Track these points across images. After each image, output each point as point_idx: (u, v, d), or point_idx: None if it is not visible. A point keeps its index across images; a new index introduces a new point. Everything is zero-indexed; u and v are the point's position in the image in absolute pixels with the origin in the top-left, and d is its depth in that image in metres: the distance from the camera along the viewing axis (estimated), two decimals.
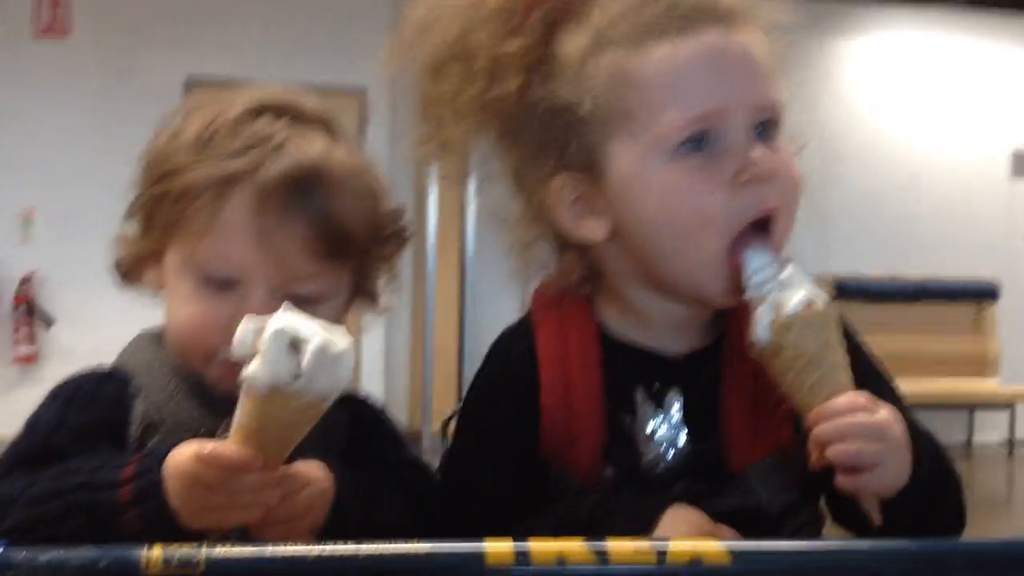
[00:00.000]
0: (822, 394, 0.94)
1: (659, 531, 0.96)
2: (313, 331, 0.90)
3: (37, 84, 6.38)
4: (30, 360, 6.36)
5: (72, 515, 0.95)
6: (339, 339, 0.91)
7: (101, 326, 5.89)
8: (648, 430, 1.07)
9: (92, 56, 6.43)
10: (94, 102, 6.39)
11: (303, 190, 1.05)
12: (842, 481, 0.93)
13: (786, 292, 0.96)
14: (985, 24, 7.68)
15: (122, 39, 6.47)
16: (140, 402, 1.08)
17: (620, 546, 0.65)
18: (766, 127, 1.03)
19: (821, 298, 0.97)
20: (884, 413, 0.94)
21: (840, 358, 0.96)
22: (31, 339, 6.35)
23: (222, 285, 1.06)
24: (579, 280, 1.11)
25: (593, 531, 0.90)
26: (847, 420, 0.92)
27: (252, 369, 0.89)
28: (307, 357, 0.88)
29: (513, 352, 1.12)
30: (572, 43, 1.03)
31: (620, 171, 1.02)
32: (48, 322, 6.29)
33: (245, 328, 0.91)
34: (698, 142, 1.00)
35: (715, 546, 0.67)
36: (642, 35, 1.01)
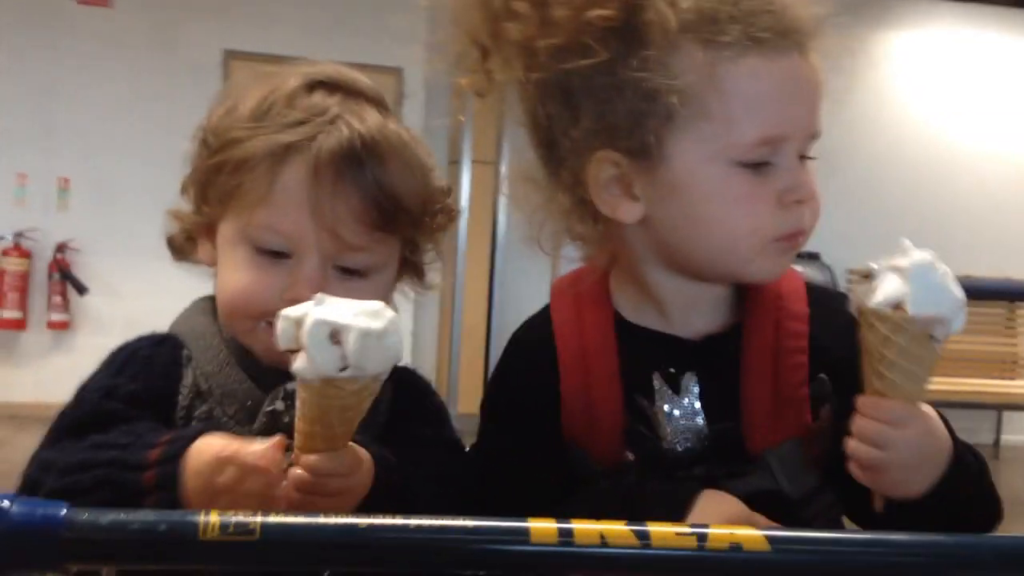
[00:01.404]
0: (880, 391, 0.96)
1: (694, 515, 0.97)
2: (352, 317, 0.88)
3: (77, 53, 6.44)
4: (64, 327, 6.44)
5: (100, 489, 0.96)
6: (380, 317, 0.90)
7: (133, 295, 5.98)
8: (666, 413, 1.08)
9: (132, 27, 6.48)
10: (133, 73, 6.44)
11: (357, 162, 1.07)
12: (851, 468, 0.97)
13: (900, 284, 0.94)
14: None
15: (163, 11, 6.51)
16: (191, 370, 1.10)
17: (661, 529, 0.67)
18: (804, 154, 1.06)
19: (921, 306, 0.94)
20: (911, 433, 0.95)
21: (917, 369, 0.95)
22: (65, 306, 6.42)
23: (275, 255, 1.08)
24: (597, 253, 1.11)
25: (628, 515, 0.92)
26: (864, 423, 0.96)
27: (299, 365, 0.89)
28: (350, 347, 0.87)
29: (532, 339, 1.15)
30: (659, 25, 1.00)
31: (680, 166, 1.02)
32: (81, 290, 6.36)
33: (285, 321, 0.90)
34: (759, 159, 1.02)
35: (754, 533, 0.68)
36: (734, 43, 1.00)
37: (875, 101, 6.92)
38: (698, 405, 1.08)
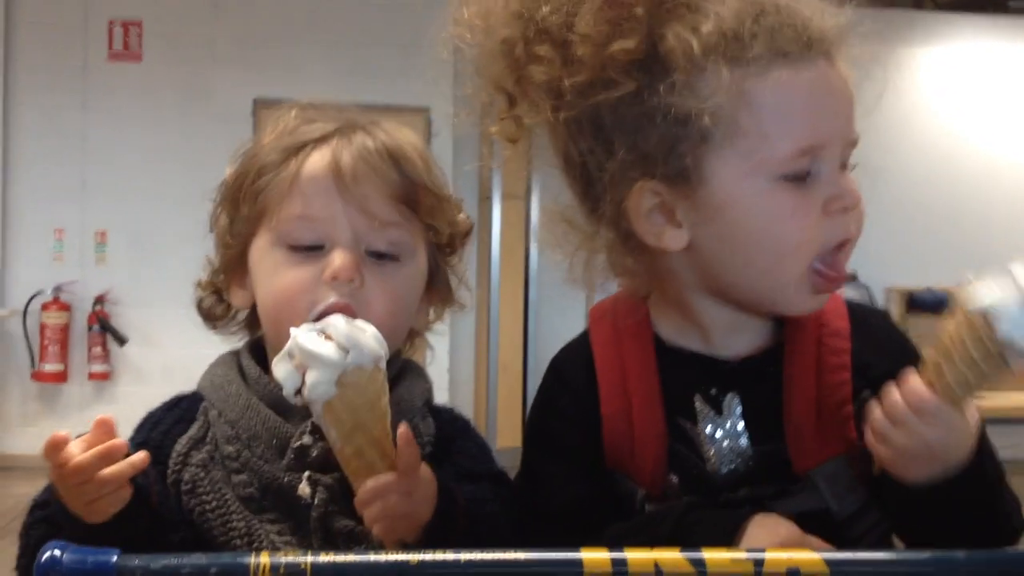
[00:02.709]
0: (930, 381, 0.95)
1: (747, 540, 0.96)
2: (331, 320, 0.97)
3: (109, 108, 6.52)
4: (104, 378, 6.49)
5: (35, 529, 1.01)
6: (352, 320, 0.99)
7: (172, 344, 6.02)
8: (709, 435, 1.08)
9: (163, 80, 6.56)
10: (165, 125, 6.52)
11: (375, 152, 1.11)
12: (864, 428, 0.99)
13: (1003, 300, 0.91)
14: None
15: (192, 63, 6.59)
16: (201, 422, 1.13)
17: (717, 556, 0.66)
18: (845, 162, 1.05)
19: (1011, 331, 0.90)
20: (924, 429, 0.95)
21: (975, 382, 0.94)
22: (105, 357, 6.48)
23: (309, 249, 1.10)
24: (643, 284, 1.11)
25: (679, 542, 0.91)
26: (894, 398, 0.96)
27: (312, 377, 0.94)
28: (341, 332, 0.95)
29: (572, 364, 1.15)
30: (682, 52, 1.01)
31: (721, 186, 1.02)
32: (121, 341, 6.41)
33: (279, 364, 0.97)
34: (799, 170, 1.02)
35: (812, 556, 0.66)
36: (759, 58, 1.00)
37: (909, 117, 6.88)
38: (741, 426, 1.08)
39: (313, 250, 1.10)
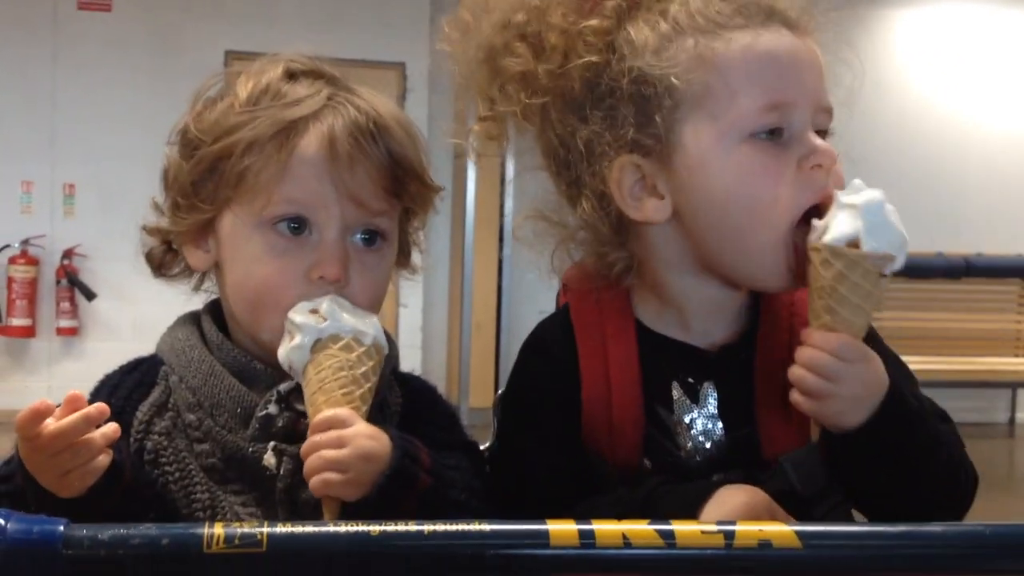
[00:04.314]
0: (830, 326, 0.99)
1: (715, 503, 0.96)
2: (322, 299, 1.05)
3: (79, 58, 6.41)
4: (72, 333, 6.43)
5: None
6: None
7: (140, 300, 5.95)
8: (686, 422, 1.09)
9: (133, 30, 6.45)
10: (135, 77, 6.41)
11: (369, 134, 1.08)
12: (793, 396, 1.00)
13: (854, 222, 0.98)
14: None
15: (163, 14, 6.48)
16: (161, 388, 1.10)
17: (687, 528, 0.64)
18: (821, 129, 1.08)
19: (874, 242, 0.97)
20: (854, 369, 0.98)
21: (865, 304, 0.99)
22: (74, 312, 6.41)
23: (295, 232, 1.07)
24: (620, 271, 1.12)
25: (647, 512, 0.90)
26: (816, 355, 0.98)
27: (293, 343, 1.00)
28: (323, 307, 1.03)
29: (554, 341, 1.14)
30: (650, 29, 1.06)
31: (694, 149, 1.04)
32: (89, 296, 6.35)
33: (281, 347, 1.03)
34: (770, 130, 1.04)
35: (783, 529, 0.65)
36: (724, 24, 1.05)
37: (881, 80, 6.87)
38: (716, 414, 1.09)
39: (297, 232, 1.07)
